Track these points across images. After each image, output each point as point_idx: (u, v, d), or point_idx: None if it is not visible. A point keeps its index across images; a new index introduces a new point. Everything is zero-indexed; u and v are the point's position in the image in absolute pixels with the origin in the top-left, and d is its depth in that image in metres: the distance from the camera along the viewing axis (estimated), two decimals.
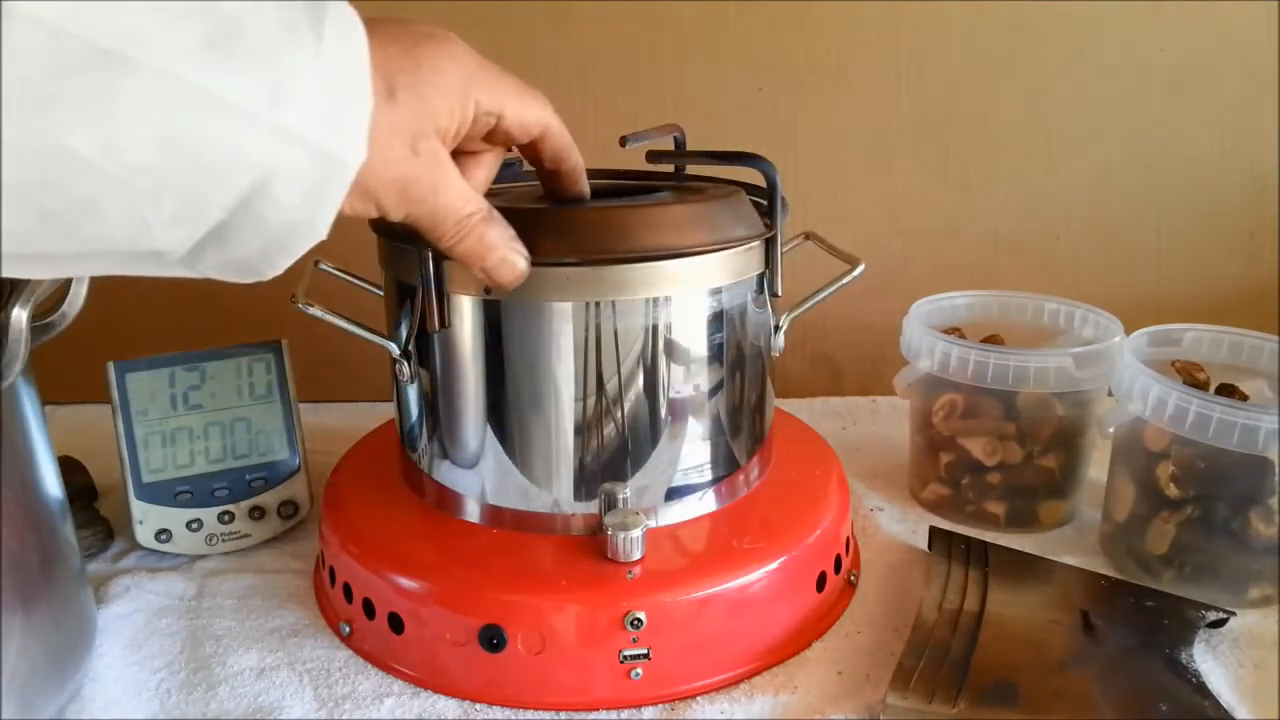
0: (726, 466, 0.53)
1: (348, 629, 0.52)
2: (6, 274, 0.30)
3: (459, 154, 0.41)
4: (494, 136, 0.41)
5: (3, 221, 0.28)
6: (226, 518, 0.60)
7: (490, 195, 0.56)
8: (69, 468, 0.62)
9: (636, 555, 0.48)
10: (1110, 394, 0.60)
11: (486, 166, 0.44)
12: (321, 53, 0.31)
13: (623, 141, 0.57)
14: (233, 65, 0.29)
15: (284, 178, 0.31)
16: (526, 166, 0.55)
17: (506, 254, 0.41)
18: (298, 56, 0.30)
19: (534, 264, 0.46)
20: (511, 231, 0.41)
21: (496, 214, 0.40)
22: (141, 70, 0.27)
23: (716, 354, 0.50)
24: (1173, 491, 0.55)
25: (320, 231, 0.33)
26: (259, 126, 0.30)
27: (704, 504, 0.53)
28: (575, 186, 0.48)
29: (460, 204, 0.38)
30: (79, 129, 0.27)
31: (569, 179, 0.47)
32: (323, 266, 0.60)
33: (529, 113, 0.41)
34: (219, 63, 0.28)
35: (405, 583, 0.49)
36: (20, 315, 0.40)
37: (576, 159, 0.46)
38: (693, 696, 0.48)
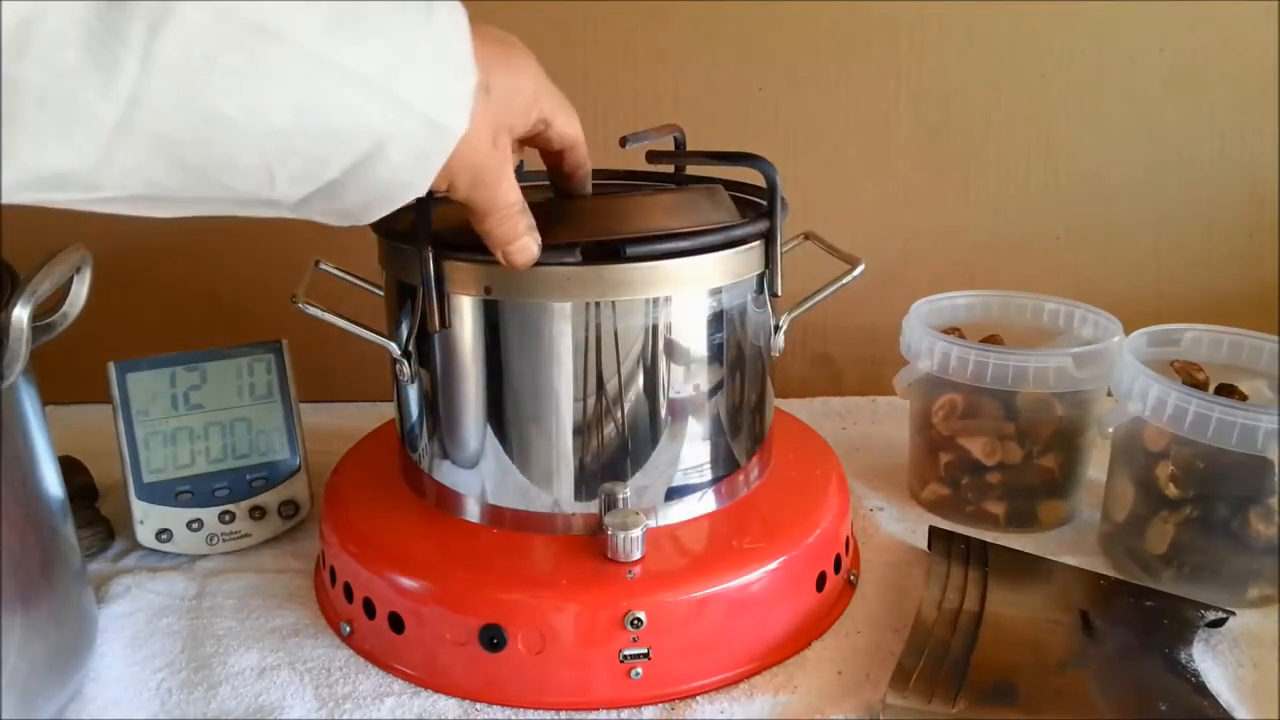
0: (726, 466, 0.53)
1: (348, 629, 0.52)
2: (128, 212, 0.33)
3: None
4: (534, 141, 0.46)
5: (148, 170, 0.31)
6: (227, 517, 0.60)
7: None
8: (70, 468, 0.62)
9: (636, 555, 0.48)
10: (1110, 394, 0.60)
11: (513, 163, 0.47)
12: (432, 29, 0.34)
13: (623, 142, 0.57)
14: (357, 40, 0.32)
15: (397, 142, 0.34)
16: (526, 168, 0.55)
17: (528, 240, 0.44)
18: (412, 32, 0.34)
19: (535, 264, 0.46)
20: (533, 221, 0.44)
21: (527, 207, 0.44)
22: (284, 43, 0.30)
23: (716, 354, 0.50)
24: (1172, 491, 0.55)
25: (420, 190, 0.37)
26: (380, 95, 0.33)
27: (704, 504, 0.53)
28: (583, 189, 0.51)
29: (512, 194, 0.42)
30: (231, 94, 0.30)
31: (580, 184, 0.50)
32: (323, 266, 0.60)
33: (570, 127, 0.46)
34: (346, 37, 0.32)
35: (405, 582, 0.49)
36: (21, 315, 0.40)
37: (589, 167, 0.49)
38: (693, 696, 0.48)
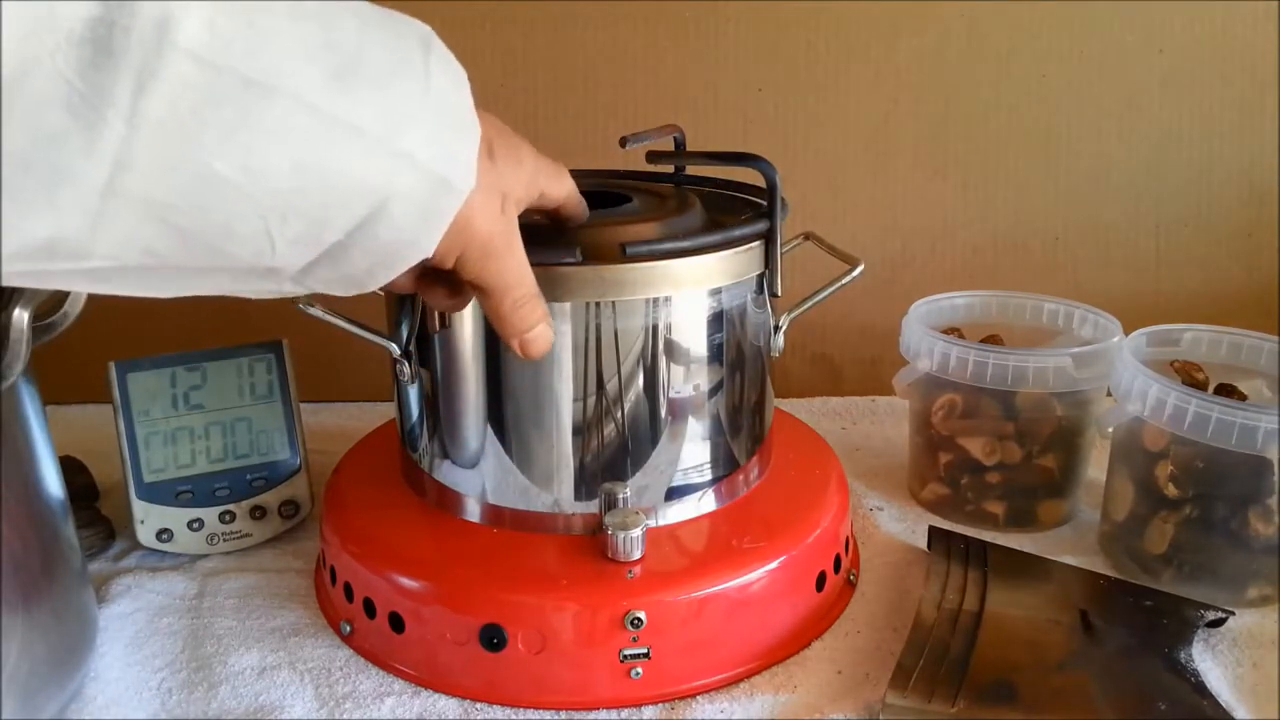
0: (726, 466, 0.53)
1: (348, 628, 0.52)
2: (123, 290, 0.32)
3: None
4: (532, 208, 0.45)
5: (141, 237, 0.29)
6: (227, 517, 0.60)
7: None
8: (70, 467, 0.62)
9: (636, 555, 0.48)
10: (1109, 394, 0.60)
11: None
12: (431, 85, 0.33)
13: (623, 142, 0.57)
14: (357, 94, 0.31)
15: (401, 199, 0.33)
16: None
17: (544, 328, 0.42)
18: (412, 86, 0.33)
19: (535, 265, 0.46)
20: (548, 308, 0.43)
21: (540, 292, 0.42)
22: (280, 98, 0.29)
23: (716, 354, 0.51)
24: (1171, 491, 0.55)
25: (425, 250, 0.35)
26: (381, 150, 0.32)
27: (704, 504, 0.53)
28: (577, 221, 0.49)
29: (527, 275, 0.41)
30: (225, 154, 0.29)
31: (574, 222, 0.49)
32: None
33: (561, 190, 0.45)
34: (345, 91, 0.30)
35: (406, 582, 0.49)
36: (22, 316, 0.40)
37: (582, 210, 0.48)
38: (693, 696, 0.48)
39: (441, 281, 0.42)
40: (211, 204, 0.29)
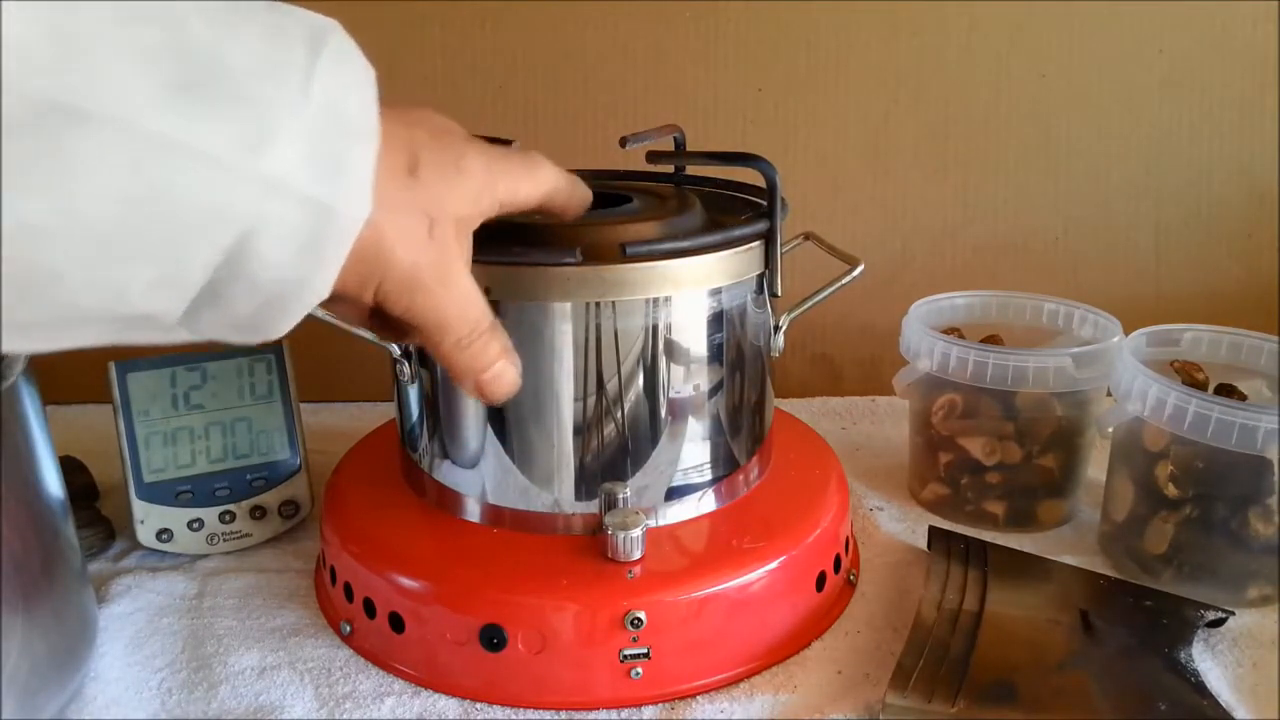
0: (726, 466, 0.53)
1: (348, 628, 0.52)
2: (10, 348, 0.28)
3: None
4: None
5: None
6: (227, 517, 0.60)
7: None
8: (70, 467, 0.62)
9: (636, 555, 0.48)
10: (1109, 394, 0.60)
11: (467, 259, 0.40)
12: (312, 91, 0.28)
13: (623, 142, 0.57)
14: (205, 111, 0.26)
15: (272, 232, 0.28)
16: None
17: (506, 366, 0.37)
18: (284, 94, 0.28)
19: (535, 264, 0.46)
20: (509, 341, 0.38)
21: (498, 323, 0.38)
22: (99, 123, 0.24)
23: (716, 354, 0.51)
24: (1171, 491, 0.55)
25: (320, 292, 0.30)
26: (237, 176, 0.27)
27: (704, 504, 0.53)
28: (580, 212, 0.46)
29: (468, 305, 0.35)
30: (29, 194, 0.24)
31: (577, 213, 0.45)
32: None
33: (539, 186, 0.40)
34: (187, 108, 0.26)
35: (406, 582, 0.49)
36: None
37: (581, 198, 0.43)
38: (693, 696, 0.48)
39: (395, 318, 0.36)
40: (31, 254, 0.25)
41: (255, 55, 0.27)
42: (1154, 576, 0.57)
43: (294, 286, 0.30)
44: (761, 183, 0.50)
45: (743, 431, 0.54)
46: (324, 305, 0.33)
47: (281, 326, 0.31)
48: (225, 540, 0.60)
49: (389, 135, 0.31)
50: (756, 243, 0.50)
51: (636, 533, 0.47)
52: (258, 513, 0.61)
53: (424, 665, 0.49)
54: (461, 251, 0.35)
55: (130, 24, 0.25)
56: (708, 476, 0.53)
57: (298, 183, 0.28)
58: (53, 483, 0.47)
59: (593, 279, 0.46)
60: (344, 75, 0.29)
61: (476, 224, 0.37)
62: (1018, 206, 0.84)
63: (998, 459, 0.63)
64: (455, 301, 0.35)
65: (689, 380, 0.50)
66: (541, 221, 0.46)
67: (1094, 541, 0.62)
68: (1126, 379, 0.56)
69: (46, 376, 0.48)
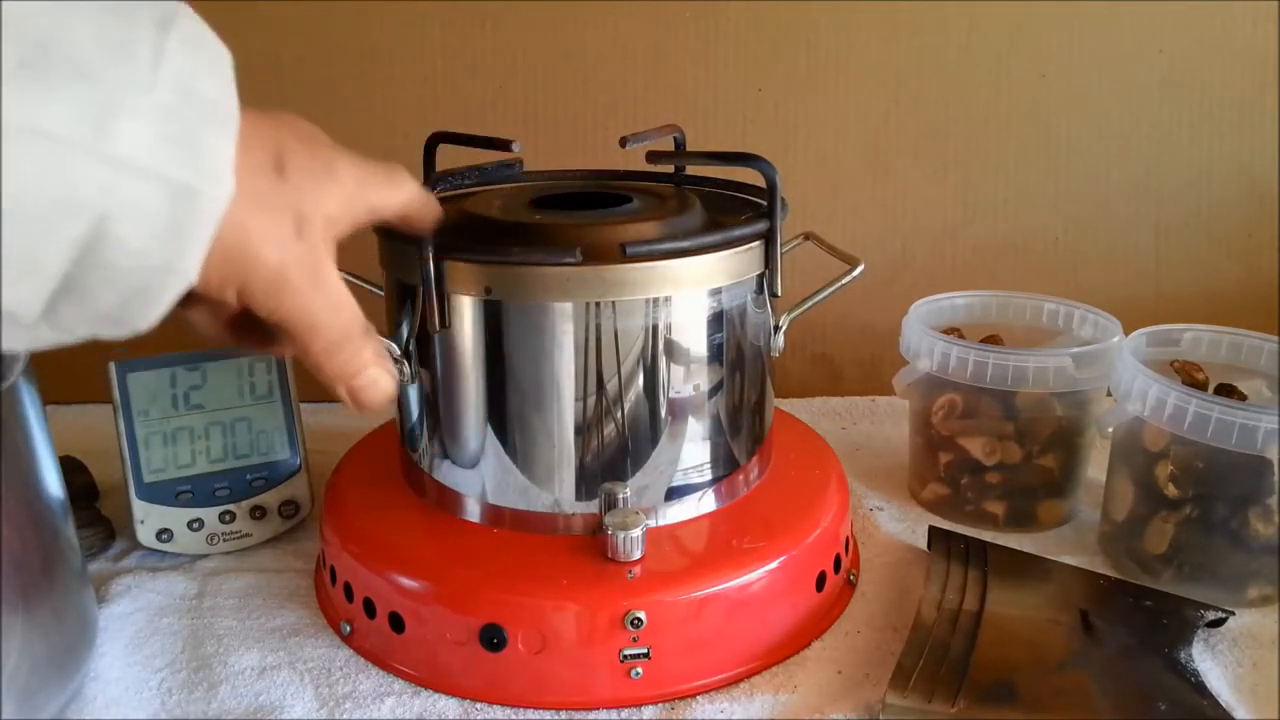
0: (726, 466, 0.53)
1: (348, 628, 0.52)
2: None
3: None
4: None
5: None
6: (227, 517, 0.60)
7: (485, 196, 0.57)
8: (70, 467, 0.62)
9: (636, 555, 0.48)
10: (1109, 394, 0.60)
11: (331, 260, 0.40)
12: (161, 69, 0.27)
13: (623, 142, 0.57)
14: (43, 89, 0.25)
15: (128, 216, 0.27)
16: (525, 168, 0.55)
17: (379, 374, 0.37)
18: (130, 72, 0.27)
19: (535, 264, 0.46)
20: (383, 347, 0.37)
21: (371, 327, 0.37)
22: None
23: (716, 354, 0.50)
24: (1171, 491, 0.55)
25: (186, 276, 0.29)
26: (84, 156, 0.26)
27: (704, 504, 0.53)
28: (431, 224, 0.44)
29: (338, 308, 0.34)
30: None
31: (431, 228, 0.44)
32: None
33: (395, 199, 0.39)
34: (26, 87, 0.25)
35: (406, 582, 0.49)
36: None
37: (434, 213, 0.43)
38: (693, 696, 0.48)
39: (256, 326, 0.36)
40: None
41: (97, 33, 0.26)
42: (1154, 576, 0.57)
43: (158, 274, 0.28)
44: (761, 183, 0.50)
45: (743, 431, 0.54)
46: (183, 308, 0.31)
47: (149, 316, 0.30)
48: (225, 540, 0.60)
49: (254, 133, 0.30)
50: (756, 243, 0.50)
51: (636, 533, 0.47)
52: (258, 513, 0.61)
53: (424, 665, 0.49)
54: (330, 253, 0.34)
55: None
56: (708, 476, 0.53)
57: (150, 163, 0.27)
58: (53, 483, 0.47)
59: (593, 279, 0.46)
60: (197, 57, 0.29)
61: (346, 229, 0.35)
62: (1018, 206, 0.84)
63: (998, 459, 0.63)
64: (325, 303, 0.34)
65: (689, 380, 0.50)
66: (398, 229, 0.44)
67: (1094, 541, 0.62)
68: (1126, 379, 0.56)
69: (46, 376, 0.48)
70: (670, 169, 0.63)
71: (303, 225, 0.32)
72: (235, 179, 0.29)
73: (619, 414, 0.49)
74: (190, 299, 0.31)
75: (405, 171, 0.39)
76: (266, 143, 0.31)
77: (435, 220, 0.43)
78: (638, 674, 0.47)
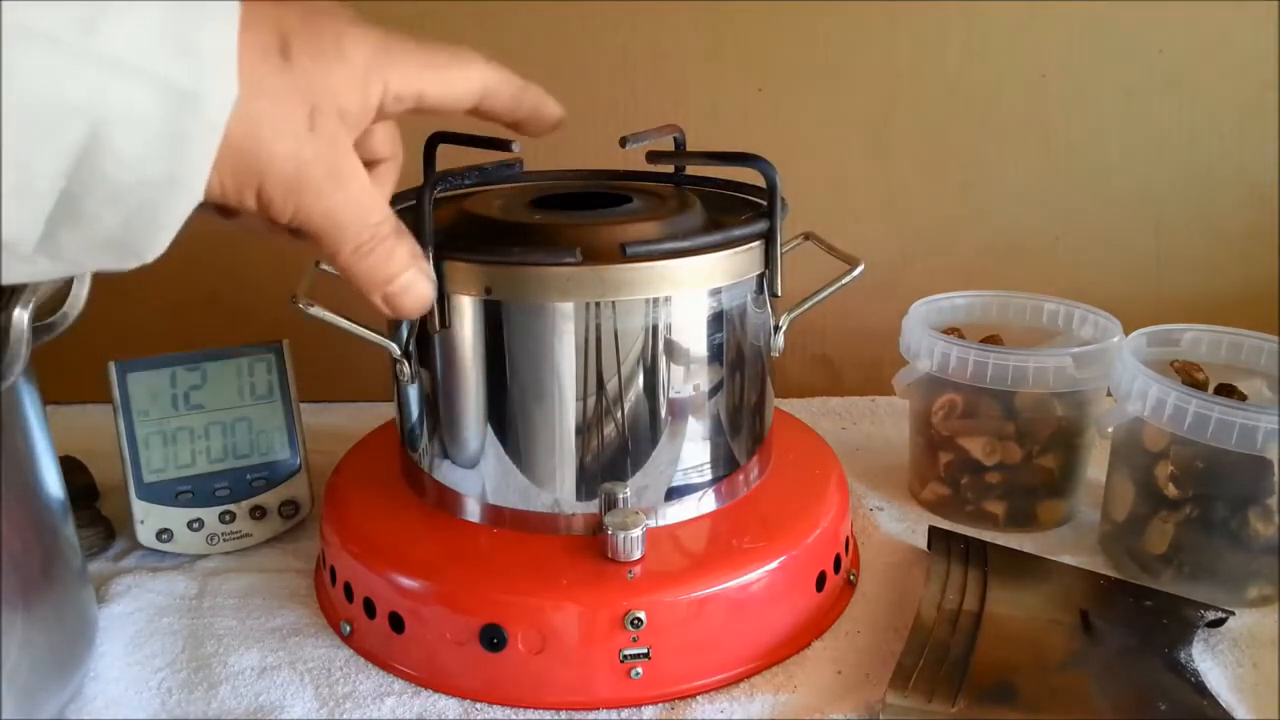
0: (726, 466, 0.53)
1: (348, 628, 0.52)
2: None
3: None
4: (413, 115, 0.35)
5: None
6: (227, 517, 0.60)
7: (485, 196, 0.57)
8: (70, 467, 0.62)
9: (636, 555, 0.48)
10: (1109, 394, 0.60)
11: (387, 182, 0.38)
12: None
13: (623, 142, 0.57)
14: None
15: (122, 122, 0.25)
16: (525, 168, 0.55)
17: (416, 276, 0.34)
18: None
19: (535, 264, 0.46)
20: (417, 247, 0.34)
21: (404, 226, 0.34)
22: None
23: (716, 354, 0.50)
24: (1171, 491, 0.55)
25: (192, 191, 0.27)
26: (74, 57, 0.24)
27: (704, 504, 0.53)
28: (544, 125, 0.39)
29: (367, 206, 0.32)
30: None
31: (533, 123, 0.39)
32: (323, 266, 0.60)
33: (455, 85, 0.34)
34: None
35: (406, 582, 0.49)
36: (21, 316, 0.40)
37: (531, 100, 0.38)
38: (693, 696, 0.48)
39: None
40: None
41: None
42: (1154, 576, 0.57)
43: (161, 189, 0.26)
44: (761, 183, 0.50)
45: (743, 431, 0.54)
46: (227, 217, 0.29)
47: (157, 241, 0.28)
48: (225, 540, 0.60)
49: (253, 13, 0.28)
50: (756, 243, 0.50)
51: (636, 533, 0.47)
52: (258, 513, 0.61)
53: (424, 665, 0.49)
54: (350, 147, 0.31)
55: None
56: (708, 476, 0.53)
57: (145, 63, 0.25)
58: (53, 483, 0.47)
59: (593, 279, 0.46)
60: None
61: (370, 117, 0.32)
62: (1018, 206, 0.84)
63: (998, 459, 0.63)
64: (350, 201, 0.31)
65: (689, 380, 0.50)
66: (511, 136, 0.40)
67: (1094, 541, 0.62)
68: (1126, 379, 0.56)
69: (46, 376, 0.48)
70: (670, 169, 0.63)
71: (316, 116, 0.29)
72: (238, 72, 0.27)
73: (619, 414, 0.49)
74: (217, 207, 0.29)
75: (473, 54, 0.35)
76: (268, 24, 0.28)
77: (551, 117, 0.38)
78: (638, 674, 0.47)
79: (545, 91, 0.38)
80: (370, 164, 0.36)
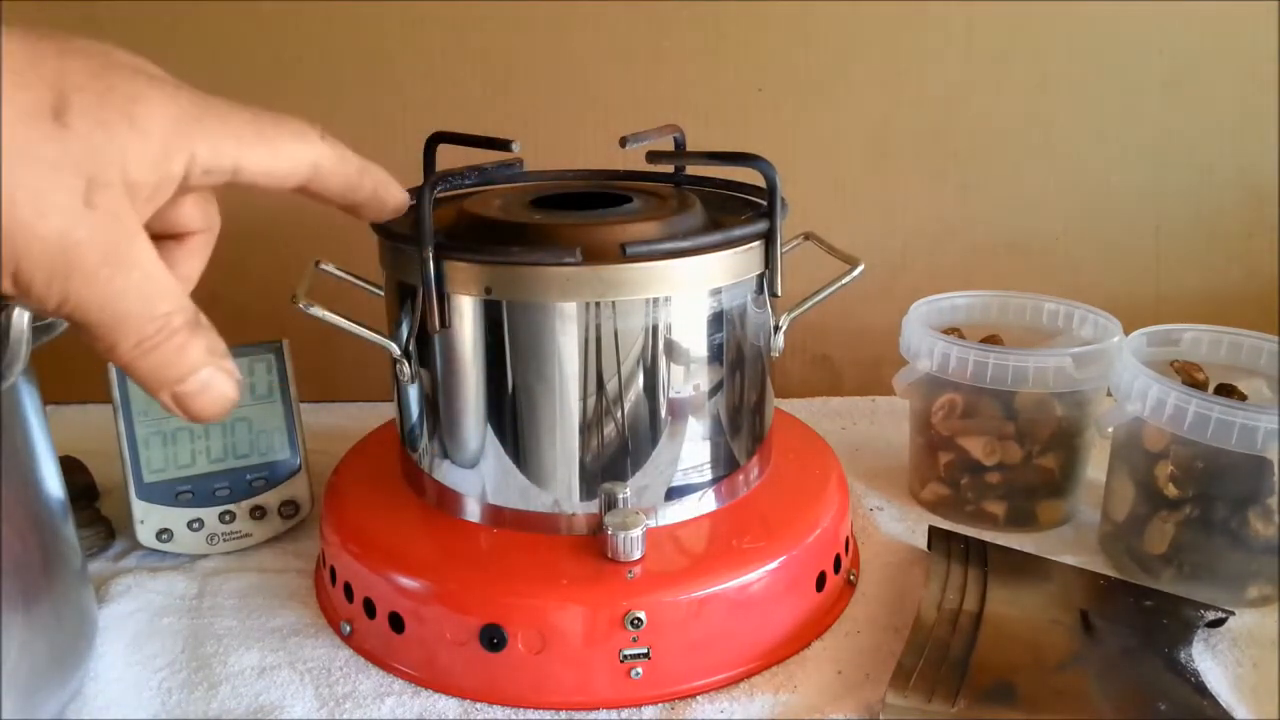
0: (726, 466, 0.53)
1: (348, 628, 0.52)
2: None
3: (159, 238, 0.30)
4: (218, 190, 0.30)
5: None
6: (227, 517, 0.60)
7: (485, 196, 0.57)
8: (70, 467, 0.62)
9: (636, 555, 0.48)
10: (1109, 394, 0.60)
11: (197, 256, 0.33)
12: None
13: (623, 142, 0.57)
14: None
15: None
16: (525, 168, 0.55)
17: (214, 374, 0.28)
18: None
19: (535, 264, 0.46)
20: (218, 342, 0.29)
21: (203, 319, 0.29)
22: None
23: (716, 354, 0.51)
24: (1171, 491, 0.55)
25: None
26: None
27: (704, 504, 0.53)
28: (384, 211, 0.36)
29: (152, 294, 0.27)
30: None
31: (371, 208, 0.35)
32: (323, 266, 0.60)
33: (280, 160, 0.30)
34: None
35: (406, 582, 0.49)
36: (22, 316, 0.40)
37: (371, 183, 0.34)
38: (693, 696, 0.48)
39: None
40: None
41: None
42: (1154, 576, 0.57)
43: None
44: (761, 183, 0.50)
45: (743, 431, 0.54)
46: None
47: None
48: (225, 540, 0.60)
49: (28, 65, 0.24)
50: (756, 243, 0.50)
51: (636, 533, 0.47)
52: (258, 513, 0.61)
53: (424, 665, 0.49)
54: (139, 226, 0.27)
55: None
56: (708, 476, 0.53)
57: None
58: (53, 483, 0.47)
59: (593, 279, 0.46)
60: None
61: (169, 191, 0.27)
62: (1018, 206, 0.84)
63: (998, 459, 0.63)
64: (131, 289, 0.26)
65: (689, 380, 0.50)
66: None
67: (1094, 541, 0.62)
68: (1126, 379, 0.56)
69: (46, 376, 0.48)
70: (670, 169, 0.63)
71: (94, 191, 0.25)
72: None
73: (619, 414, 0.49)
74: None
75: (305, 127, 0.31)
76: (44, 79, 0.24)
77: (393, 204, 0.34)
78: (638, 674, 0.47)
79: (390, 175, 0.35)
80: (178, 237, 0.32)
